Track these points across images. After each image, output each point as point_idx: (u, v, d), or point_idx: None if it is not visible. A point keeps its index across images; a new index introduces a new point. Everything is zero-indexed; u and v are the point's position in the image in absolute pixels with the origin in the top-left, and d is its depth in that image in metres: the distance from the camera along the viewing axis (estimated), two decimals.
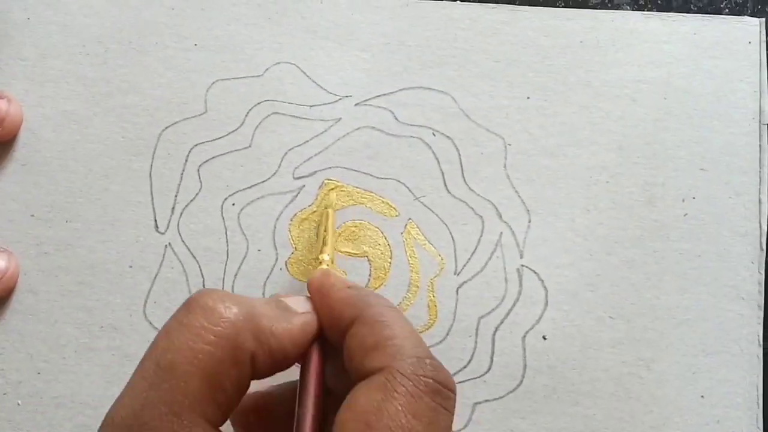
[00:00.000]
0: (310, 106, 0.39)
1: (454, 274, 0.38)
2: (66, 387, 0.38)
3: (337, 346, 0.31)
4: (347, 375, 0.29)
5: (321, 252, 0.36)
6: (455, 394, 0.28)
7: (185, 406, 0.26)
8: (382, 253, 0.38)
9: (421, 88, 0.40)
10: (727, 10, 0.40)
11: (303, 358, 0.31)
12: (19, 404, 0.37)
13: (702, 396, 0.37)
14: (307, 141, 0.39)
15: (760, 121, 0.39)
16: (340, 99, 0.40)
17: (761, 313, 0.38)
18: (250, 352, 0.28)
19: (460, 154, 0.39)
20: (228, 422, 0.29)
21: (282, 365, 0.29)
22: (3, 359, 0.38)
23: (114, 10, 0.40)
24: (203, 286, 0.38)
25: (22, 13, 0.40)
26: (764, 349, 0.38)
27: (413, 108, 0.39)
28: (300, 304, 0.32)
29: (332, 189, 0.39)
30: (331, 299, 0.31)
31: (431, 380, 0.27)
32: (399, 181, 0.39)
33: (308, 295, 0.33)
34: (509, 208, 0.39)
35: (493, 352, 0.37)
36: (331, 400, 0.30)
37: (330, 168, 0.39)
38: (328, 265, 0.36)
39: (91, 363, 0.37)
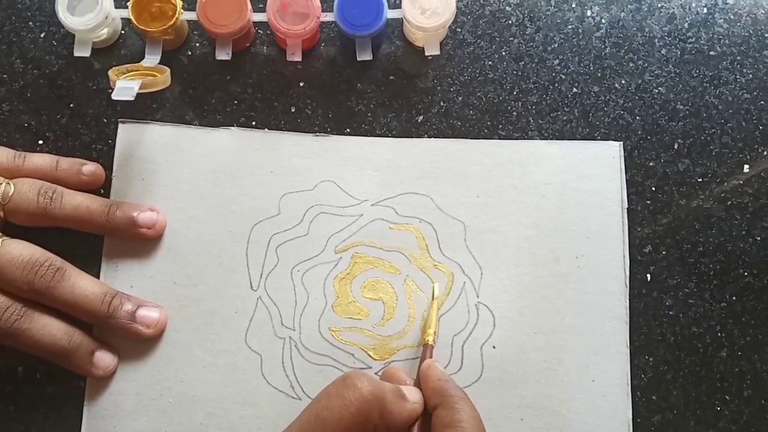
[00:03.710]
0: (344, 207, 0.44)
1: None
2: (198, 389, 0.41)
3: (429, 414, 0.34)
4: None
5: (429, 327, 0.40)
6: None
7: None
8: (391, 298, 0.43)
9: (411, 193, 0.44)
10: (599, 137, 0.45)
11: (408, 429, 0.34)
12: (170, 401, 0.41)
13: (593, 380, 0.41)
14: (343, 229, 0.43)
15: (621, 207, 0.44)
16: (361, 202, 0.44)
17: (627, 327, 0.42)
18: (374, 423, 0.32)
19: (437, 233, 0.43)
20: None
21: None
22: (159, 373, 0.41)
23: (221, 152, 0.44)
24: (281, 323, 0.42)
25: (164, 156, 0.44)
26: (635, 355, 0.42)
27: (407, 206, 0.44)
28: (413, 394, 0.34)
29: (436, 295, 0.42)
30: (428, 386, 0.35)
31: None
32: (400, 252, 0.43)
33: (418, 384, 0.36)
34: (469, 266, 0.43)
35: (462, 357, 0.42)
36: None
37: (357, 245, 0.43)
38: (432, 336, 0.39)
39: (213, 373, 0.41)
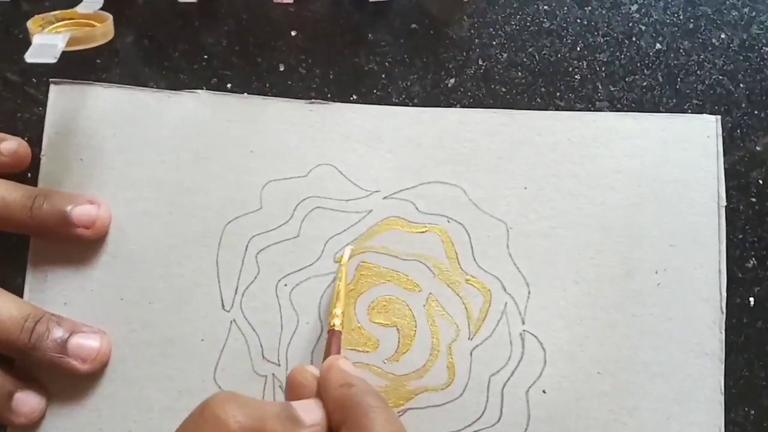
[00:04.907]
0: (347, 200, 0.36)
1: (468, 339, 0.35)
2: None
3: None
4: None
5: (334, 307, 0.34)
6: None
7: None
8: (408, 323, 0.35)
9: (436, 182, 0.36)
10: (689, 110, 0.37)
11: None
12: None
13: None
14: (345, 230, 0.36)
15: (718, 204, 0.36)
16: (370, 194, 0.36)
17: (722, 366, 0.35)
18: None
19: (470, 237, 0.36)
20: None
21: None
22: (102, 420, 0.35)
23: (184, 125, 0.37)
24: (262, 355, 0.35)
25: (109, 129, 0.37)
26: (725, 397, 0.35)
27: (431, 199, 0.36)
28: (311, 413, 0.27)
29: (350, 248, 0.36)
30: (326, 399, 0.27)
31: None
32: (420, 261, 0.36)
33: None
34: (512, 282, 0.35)
35: (502, 405, 0.34)
36: None
37: (364, 252, 0.36)
38: (340, 318, 0.33)
39: (171, 421, 0.33)
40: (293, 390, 0.30)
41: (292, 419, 0.27)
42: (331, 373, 0.29)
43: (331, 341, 0.33)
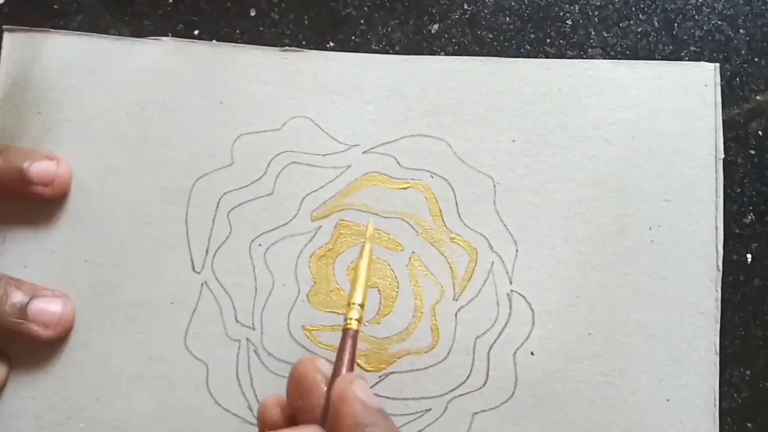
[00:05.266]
0: (324, 155, 0.34)
1: (453, 300, 0.33)
2: (120, 411, 0.33)
3: None
4: None
5: (352, 297, 0.30)
6: None
7: None
8: (389, 284, 0.34)
9: (419, 135, 0.34)
10: (686, 58, 0.35)
11: None
12: (81, 427, 0.33)
13: (668, 400, 0.33)
14: (322, 186, 0.34)
15: (716, 157, 0.34)
16: (349, 148, 0.34)
17: (718, 326, 0.33)
18: None
19: (455, 193, 0.34)
20: None
21: None
22: (66, 388, 0.33)
23: (148, 74, 0.35)
24: (236, 319, 0.33)
25: (68, 80, 0.35)
26: (720, 357, 0.34)
27: (413, 153, 0.34)
28: None
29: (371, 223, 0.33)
30: (340, 427, 0.25)
31: None
32: (402, 219, 0.34)
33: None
34: (499, 240, 0.34)
35: (488, 368, 0.33)
36: None
37: (343, 210, 0.34)
38: (359, 313, 0.29)
39: (141, 390, 0.33)
40: (297, 386, 0.27)
41: None
42: (345, 408, 0.25)
43: (344, 346, 0.28)
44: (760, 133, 0.35)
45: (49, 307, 0.32)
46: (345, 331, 0.29)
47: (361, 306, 0.29)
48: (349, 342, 0.28)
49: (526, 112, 0.34)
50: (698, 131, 0.34)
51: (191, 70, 0.35)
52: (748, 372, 0.34)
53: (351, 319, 0.29)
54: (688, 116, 0.35)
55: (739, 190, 0.35)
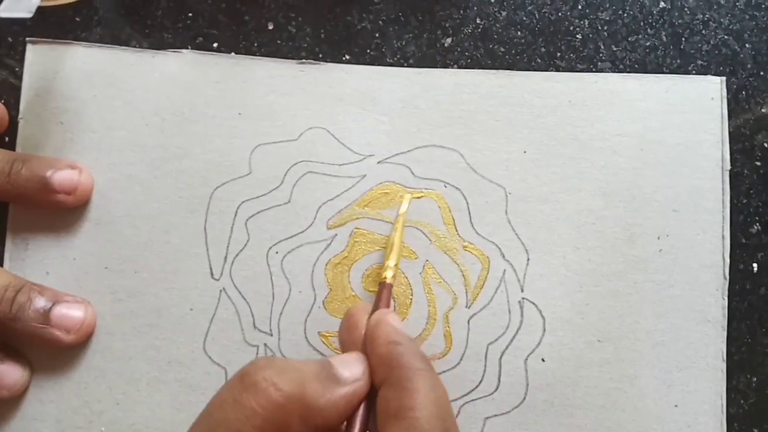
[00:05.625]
0: (339, 164, 0.34)
1: (466, 307, 0.33)
2: (140, 415, 0.33)
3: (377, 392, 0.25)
4: None
5: (388, 259, 0.31)
6: None
7: None
8: (404, 291, 0.34)
9: (433, 146, 0.34)
10: (694, 71, 0.35)
11: (349, 419, 0.25)
12: (102, 431, 0.33)
13: (676, 405, 0.33)
14: (338, 195, 0.34)
15: (722, 168, 0.34)
16: (364, 158, 0.34)
17: (725, 334, 0.34)
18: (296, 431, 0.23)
19: (468, 203, 0.34)
20: None
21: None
22: (87, 392, 0.33)
23: (168, 86, 0.35)
24: (253, 325, 0.33)
25: (89, 91, 0.34)
26: (727, 364, 0.34)
27: (427, 164, 0.34)
28: (352, 369, 0.25)
29: (408, 199, 0.34)
30: (371, 354, 0.26)
31: None
32: (417, 228, 0.34)
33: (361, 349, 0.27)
34: (510, 249, 0.34)
35: (500, 374, 0.33)
36: None
37: (358, 218, 0.34)
38: (392, 270, 0.31)
39: (160, 393, 0.33)
40: (346, 323, 0.29)
41: (332, 378, 0.25)
42: (379, 329, 0.27)
43: (381, 294, 0.30)
44: (766, 145, 0.35)
45: (71, 313, 0.32)
46: (381, 284, 0.31)
47: (396, 266, 0.31)
48: (384, 292, 0.30)
49: (537, 124, 0.35)
50: (705, 143, 0.35)
51: (210, 82, 0.35)
52: (755, 379, 0.34)
53: (386, 275, 0.31)
54: (695, 128, 0.35)
55: (745, 201, 0.35)
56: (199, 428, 0.23)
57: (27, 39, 0.35)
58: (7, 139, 0.35)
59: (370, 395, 0.25)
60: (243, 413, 0.22)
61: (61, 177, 0.33)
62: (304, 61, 0.35)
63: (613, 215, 0.34)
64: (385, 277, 0.31)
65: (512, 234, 0.34)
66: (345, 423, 0.25)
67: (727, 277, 0.34)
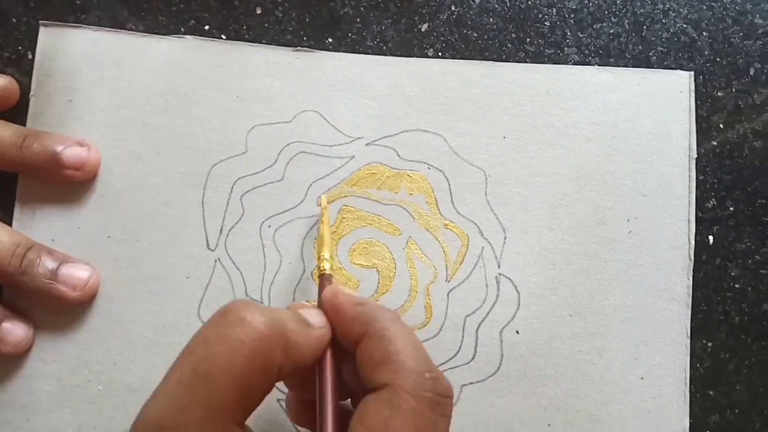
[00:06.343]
0: (330, 146, 0.36)
1: (446, 281, 0.35)
2: (136, 375, 0.34)
3: (351, 351, 0.27)
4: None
5: (321, 251, 0.32)
6: (452, 399, 0.25)
7: (218, 413, 0.23)
8: (387, 265, 0.36)
9: (418, 130, 0.36)
10: (654, 57, 0.37)
11: (318, 362, 0.27)
12: (99, 389, 0.34)
13: (642, 377, 0.35)
14: (328, 174, 0.36)
15: (689, 156, 0.36)
16: (353, 140, 0.36)
17: (689, 311, 0.35)
18: (278, 364, 0.24)
19: (449, 184, 0.36)
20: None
21: (301, 371, 0.26)
22: (87, 353, 0.34)
23: (171, 69, 0.36)
24: (246, 293, 0.35)
25: (98, 72, 0.36)
26: (690, 339, 0.35)
27: (412, 147, 0.36)
28: (316, 318, 0.28)
29: (326, 195, 0.35)
30: (342, 317, 0.27)
31: (431, 394, 0.24)
32: (401, 206, 0.36)
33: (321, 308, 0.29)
34: (489, 227, 0.36)
35: (476, 344, 0.35)
36: (350, 393, 0.27)
37: (346, 196, 0.36)
38: (329, 262, 0.31)
39: (156, 356, 0.34)
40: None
41: (305, 322, 0.27)
42: (340, 297, 0.28)
43: (323, 284, 0.31)
44: (721, 125, 0.37)
45: (77, 273, 0.34)
46: (321, 276, 0.31)
47: (331, 257, 0.32)
48: (326, 283, 0.31)
49: (516, 112, 0.37)
50: (674, 133, 0.37)
51: (211, 67, 0.37)
52: (710, 344, 0.36)
53: (324, 267, 0.31)
54: (664, 119, 0.37)
55: (701, 178, 0.37)
56: (183, 367, 0.23)
57: (40, 21, 0.37)
58: (16, 116, 0.36)
59: (337, 346, 0.27)
60: (230, 345, 0.23)
61: (70, 153, 0.34)
62: (299, 48, 0.37)
63: (586, 198, 0.36)
64: (323, 269, 0.31)
65: (491, 214, 0.36)
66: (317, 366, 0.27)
67: (692, 258, 0.36)
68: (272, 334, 0.24)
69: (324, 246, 0.32)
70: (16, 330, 0.34)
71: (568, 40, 0.38)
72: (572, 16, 0.38)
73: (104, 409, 0.34)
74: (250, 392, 0.23)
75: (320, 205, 0.35)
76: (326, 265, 0.32)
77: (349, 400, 0.28)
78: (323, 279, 0.31)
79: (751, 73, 0.38)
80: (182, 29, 0.37)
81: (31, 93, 0.36)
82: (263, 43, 0.37)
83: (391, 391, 0.24)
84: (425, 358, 0.25)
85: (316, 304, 0.30)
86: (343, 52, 0.37)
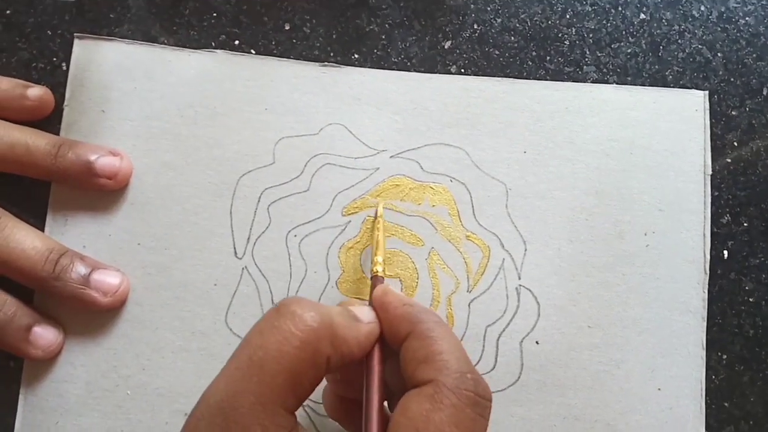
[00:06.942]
0: (355, 158, 0.37)
1: (467, 291, 0.36)
2: (165, 380, 0.35)
3: (396, 350, 0.28)
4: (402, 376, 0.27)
5: (375, 255, 0.34)
6: (491, 402, 0.25)
7: (270, 398, 0.24)
8: (410, 275, 0.36)
9: (441, 144, 0.37)
10: (670, 77, 0.38)
11: (367, 357, 0.28)
12: (128, 394, 0.35)
13: (659, 389, 0.35)
14: (353, 186, 0.37)
15: (704, 173, 0.37)
16: (378, 152, 0.37)
17: (704, 324, 0.36)
18: (327, 355, 0.26)
19: (471, 197, 0.37)
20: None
21: (349, 363, 0.27)
22: (116, 358, 0.35)
23: (202, 82, 0.37)
24: (272, 301, 0.35)
25: (130, 83, 0.37)
26: (706, 351, 0.36)
27: (435, 160, 0.37)
28: (365, 314, 0.29)
29: (382, 204, 0.36)
30: (390, 315, 0.28)
31: (472, 393, 0.25)
32: (424, 218, 0.37)
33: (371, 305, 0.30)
34: (509, 240, 0.36)
35: (497, 354, 0.35)
36: (389, 393, 0.28)
37: (370, 207, 0.36)
38: (382, 265, 0.33)
39: (184, 361, 0.35)
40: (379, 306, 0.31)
41: (354, 317, 0.28)
42: (389, 296, 0.29)
43: (375, 284, 0.33)
44: (735, 143, 0.38)
45: (108, 279, 0.34)
46: (374, 278, 0.33)
47: (383, 261, 0.34)
48: (378, 285, 0.32)
49: (536, 128, 0.37)
50: (689, 150, 0.37)
51: (240, 80, 0.37)
52: (725, 356, 0.37)
53: (377, 270, 0.33)
54: (680, 136, 0.37)
55: (716, 193, 0.38)
56: (240, 356, 0.25)
57: (75, 34, 0.38)
58: (49, 125, 0.37)
59: (384, 344, 0.28)
60: (282, 335, 0.25)
61: (103, 162, 0.35)
62: (325, 63, 0.38)
63: (604, 212, 0.37)
64: (377, 271, 0.33)
65: (511, 226, 0.37)
66: (365, 359, 0.28)
67: (708, 271, 0.36)
68: (320, 327, 0.25)
69: (378, 251, 0.34)
70: (46, 334, 0.34)
71: (587, 59, 0.39)
72: (591, 35, 0.39)
73: (132, 413, 0.34)
74: (299, 380, 0.25)
75: (374, 216, 0.36)
76: (379, 268, 0.33)
77: (386, 403, 0.29)
78: (375, 280, 0.32)
79: (764, 93, 0.39)
80: (213, 44, 0.38)
81: (65, 103, 0.37)
82: (291, 58, 0.38)
83: (434, 386, 0.25)
84: (467, 360, 0.26)
85: (367, 301, 0.32)
86: (369, 67, 0.38)
